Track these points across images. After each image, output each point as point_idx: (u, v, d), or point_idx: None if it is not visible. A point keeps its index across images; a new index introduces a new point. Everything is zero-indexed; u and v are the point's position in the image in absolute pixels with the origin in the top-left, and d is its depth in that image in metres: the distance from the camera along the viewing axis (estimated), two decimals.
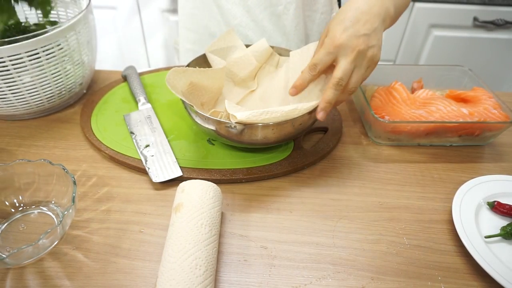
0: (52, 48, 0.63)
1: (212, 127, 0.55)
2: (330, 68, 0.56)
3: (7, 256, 0.42)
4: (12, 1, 0.70)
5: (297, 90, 0.57)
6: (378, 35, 0.54)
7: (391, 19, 0.57)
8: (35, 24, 0.76)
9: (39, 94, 0.66)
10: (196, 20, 0.89)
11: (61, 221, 0.45)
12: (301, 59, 0.64)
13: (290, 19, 0.83)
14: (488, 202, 0.55)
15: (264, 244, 0.50)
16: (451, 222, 0.53)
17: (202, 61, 0.69)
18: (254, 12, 0.82)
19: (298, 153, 0.63)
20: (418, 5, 1.34)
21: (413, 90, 0.75)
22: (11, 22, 0.70)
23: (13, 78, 0.61)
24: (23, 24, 0.73)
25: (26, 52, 0.60)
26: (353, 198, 0.57)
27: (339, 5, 0.90)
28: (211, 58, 0.67)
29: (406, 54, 1.48)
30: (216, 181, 0.57)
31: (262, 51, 0.70)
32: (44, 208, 0.54)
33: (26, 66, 0.61)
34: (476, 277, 0.47)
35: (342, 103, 0.77)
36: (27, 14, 0.78)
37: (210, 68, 0.63)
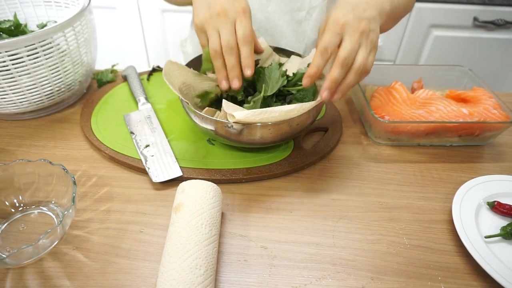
0: (50, 43, 0.63)
1: (209, 127, 0.55)
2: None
3: (7, 256, 0.42)
4: None
5: (312, 79, 0.54)
6: (377, 24, 0.54)
7: (386, 16, 0.57)
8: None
9: (37, 90, 0.66)
10: None
11: (61, 221, 0.45)
12: (302, 62, 0.64)
13: (312, 25, 0.82)
14: (488, 202, 0.55)
15: (264, 244, 0.50)
16: (451, 222, 0.53)
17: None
18: (273, 18, 0.81)
19: (298, 153, 0.63)
20: (418, 5, 1.34)
21: (413, 90, 0.75)
22: (11, 24, 0.70)
23: (12, 75, 0.62)
24: (22, 26, 0.73)
25: (25, 47, 0.60)
26: (353, 198, 0.57)
27: None
28: None
29: (406, 54, 1.48)
30: (216, 181, 0.57)
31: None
32: (44, 208, 0.54)
33: (24, 62, 0.61)
34: (476, 277, 0.47)
35: (342, 103, 0.77)
36: (27, 16, 0.78)
37: (205, 75, 0.63)
